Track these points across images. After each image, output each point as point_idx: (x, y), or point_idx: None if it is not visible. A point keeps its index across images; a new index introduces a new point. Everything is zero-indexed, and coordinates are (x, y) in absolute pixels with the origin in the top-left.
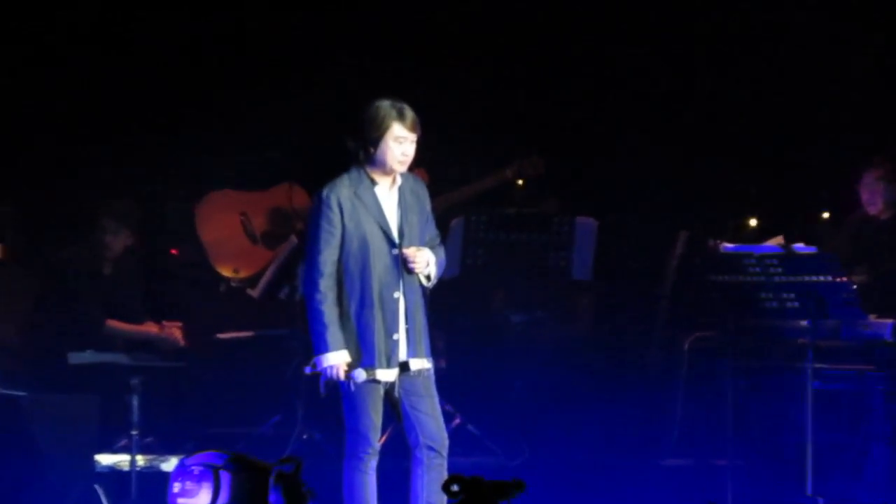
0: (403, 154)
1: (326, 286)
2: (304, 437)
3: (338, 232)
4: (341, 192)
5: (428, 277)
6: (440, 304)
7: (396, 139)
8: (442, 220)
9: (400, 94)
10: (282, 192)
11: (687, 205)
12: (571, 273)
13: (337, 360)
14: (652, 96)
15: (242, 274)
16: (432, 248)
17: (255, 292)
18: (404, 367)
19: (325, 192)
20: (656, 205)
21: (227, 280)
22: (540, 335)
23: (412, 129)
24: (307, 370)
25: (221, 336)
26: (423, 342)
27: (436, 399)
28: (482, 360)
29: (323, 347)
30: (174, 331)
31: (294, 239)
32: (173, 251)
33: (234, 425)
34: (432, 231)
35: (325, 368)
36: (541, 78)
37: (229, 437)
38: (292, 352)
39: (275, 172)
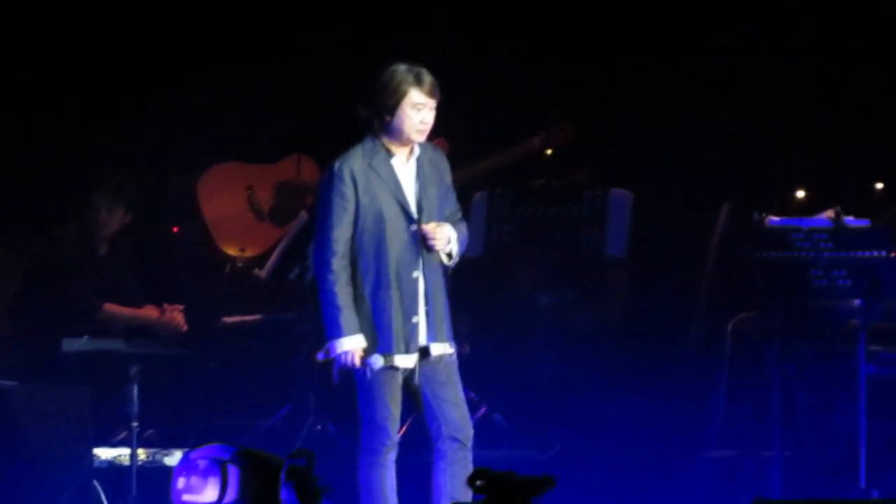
0: (422, 122)
1: (339, 266)
2: (317, 428)
3: (351, 207)
4: (354, 163)
5: (449, 255)
6: (462, 284)
7: (414, 106)
8: (464, 194)
9: (417, 57)
10: (290, 164)
11: (730, 175)
12: (605, 250)
13: (352, 345)
14: (692, 60)
15: (248, 253)
16: (453, 223)
17: (262, 273)
18: (424, 352)
19: (336, 165)
20: (697, 175)
21: (233, 260)
22: (571, 318)
23: (431, 95)
24: (320, 357)
25: (226, 321)
26: (445, 325)
27: (459, 386)
28: (509, 345)
29: (336, 332)
30: (175, 315)
31: (304, 215)
32: (174, 229)
33: (241, 417)
34: (453, 205)
35: (339, 355)
36: (572, 40)
37: (236, 430)
38: (303, 337)
39: (283, 143)
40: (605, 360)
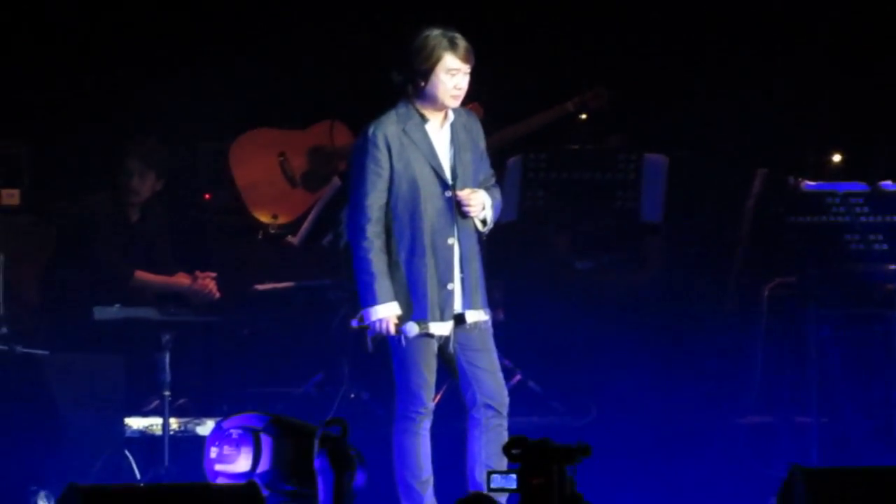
0: (456, 87)
1: (373, 232)
2: (351, 396)
3: (385, 173)
4: (388, 129)
5: (484, 222)
6: (497, 250)
7: (448, 71)
8: (498, 159)
9: (452, 21)
10: (323, 130)
11: (765, 139)
12: (640, 215)
13: (386, 312)
14: (728, 22)
15: (281, 220)
16: (487, 189)
17: (295, 239)
18: (459, 319)
19: (370, 130)
20: (732, 140)
21: (265, 227)
22: (606, 283)
23: (465, 60)
24: (354, 324)
25: (259, 288)
26: (480, 292)
27: (494, 353)
28: (543, 311)
29: (371, 299)
30: (208, 282)
31: (337, 181)
32: (206, 196)
33: (274, 385)
34: (487, 170)
35: (374, 322)
36: (606, 1)
37: (269, 398)
38: (336, 304)
39: (316, 108)
40: (640, 324)
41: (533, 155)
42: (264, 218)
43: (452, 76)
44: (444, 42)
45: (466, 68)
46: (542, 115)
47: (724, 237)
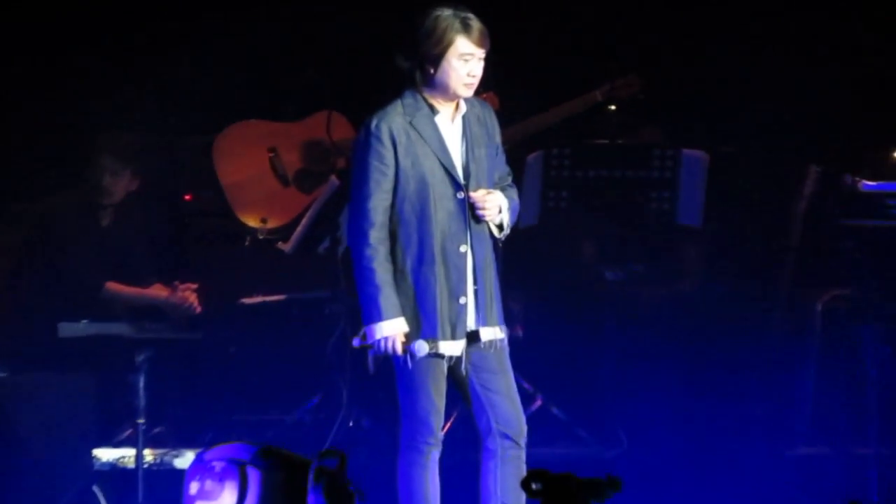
0: (470, 74)
1: (377, 239)
2: (350, 424)
3: (390, 171)
4: (394, 121)
5: (500, 227)
6: (515, 259)
7: (461, 56)
8: (516, 156)
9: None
10: (319, 122)
11: (818, 133)
12: (677, 218)
13: (392, 329)
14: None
15: (272, 223)
16: (503, 189)
17: (287, 246)
18: (473, 337)
19: (374, 122)
20: (780, 133)
21: (253, 231)
22: (638, 295)
23: (480, 44)
24: (355, 343)
25: (247, 301)
26: (495, 307)
27: (511, 376)
28: (568, 328)
29: (375, 315)
30: (188, 295)
31: (335, 180)
32: (186, 197)
33: (264, 410)
34: (503, 168)
35: (378, 341)
36: None
37: (257, 426)
38: (334, 319)
39: (311, 98)
40: (677, 343)
41: (556, 150)
42: (252, 221)
43: (466, 62)
44: (457, 24)
45: (481, 53)
46: (566, 105)
47: (772, 243)
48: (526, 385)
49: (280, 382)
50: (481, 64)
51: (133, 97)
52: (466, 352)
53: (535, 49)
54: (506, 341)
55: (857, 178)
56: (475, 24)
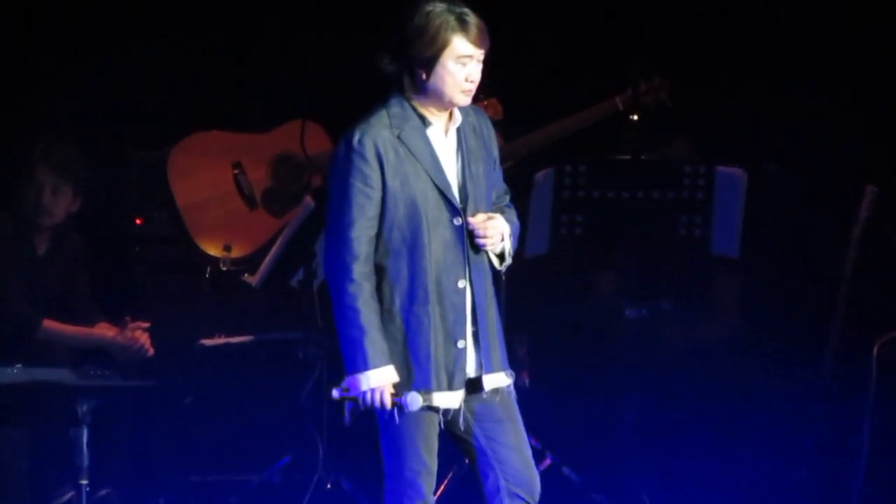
0: (468, 79)
1: (362, 274)
2: (328, 486)
3: (377, 194)
4: (380, 134)
5: (501, 257)
6: (520, 294)
7: (458, 59)
8: (523, 173)
9: None
10: (291, 133)
11: (875, 149)
12: (711, 247)
13: (380, 380)
14: None
15: (236, 252)
16: (502, 211)
17: (254, 279)
18: (474, 385)
19: (356, 136)
20: (831, 148)
21: (215, 261)
22: (665, 337)
23: (479, 44)
24: (335, 394)
25: (207, 342)
26: (499, 349)
27: (521, 425)
28: (582, 374)
29: (360, 363)
30: (139, 335)
31: (310, 201)
32: (137, 220)
33: (227, 470)
34: (500, 185)
35: (363, 393)
36: None
37: (219, 488)
38: (309, 364)
39: (282, 105)
40: (709, 393)
41: (569, 167)
42: (214, 249)
43: (463, 65)
44: (452, 21)
45: (480, 54)
46: (581, 114)
47: (822, 276)
48: (533, 441)
49: (246, 437)
50: (480, 66)
51: (74, 103)
52: (467, 402)
53: (544, 48)
54: (512, 387)
55: None
56: (473, 20)
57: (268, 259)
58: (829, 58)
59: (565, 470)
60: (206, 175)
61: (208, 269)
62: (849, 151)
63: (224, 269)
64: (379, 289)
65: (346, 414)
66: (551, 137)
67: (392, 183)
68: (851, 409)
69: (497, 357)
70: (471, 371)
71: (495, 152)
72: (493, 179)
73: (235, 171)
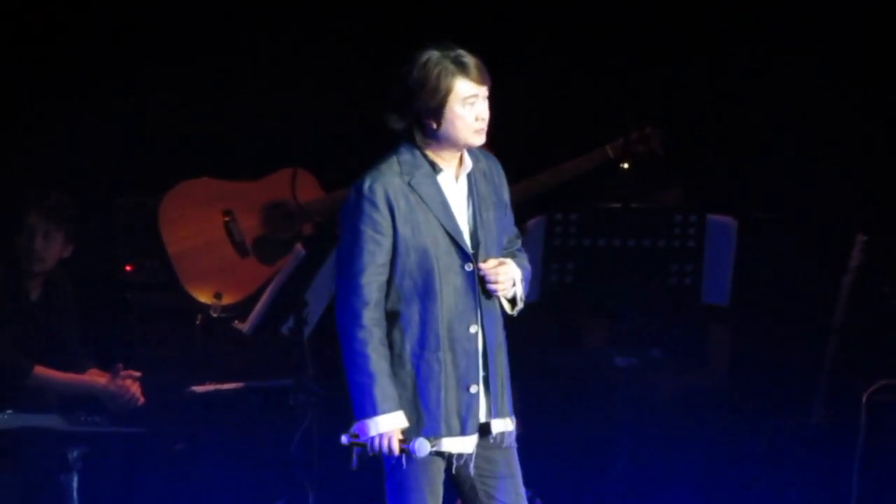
0: (478, 119)
1: (372, 320)
2: None
3: (387, 241)
4: (390, 182)
5: (513, 302)
6: (510, 341)
7: (464, 101)
8: (514, 221)
9: (446, 36)
10: (282, 181)
11: (865, 196)
12: (701, 295)
13: (388, 425)
14: (811, 45)
15: (227, 299)
16: (513, 255)
17: (245, 326)
18: (482, 430)
19: (366, 183)
20: (821, 197)
21: (206, 308)
22: (655, 385)
23: (481, 81)
24: (344, 440)
25: (198, 389)
26: (506, 395)
27: (521, 481)
28: (573, 422)
29: (368, 408)
30: (129, 382)
31: (300, 249)
32: (127, 268)
33: None
34: (511, 230)
35: (371, 438)
36: (659, 15)
37: None
38: (300, 411)
39: (273, 153)
40: (700, 441)
41: (560, 215)
42: (204, 297)
43: (471, 105)
44: (451, 66)
45: (484, 91)
46: (572, 162)
47: (812, 325)
48: (525, 490)
49: (236, 485)
50: (486, 103)
51: (64, 151)
52: (479, 449)
53: (536, 96)
54: (514, 435)
55: None
56: (470, 60)
57: (258, 306)
58: (821, 107)
59: None
60: (196, 222)
61: (199, 317)
62: (839, 201)
63: (215, 316)
64: (390, 335)
65: (354, 458)
66: (543, 186)
67: (403, 230)
68: (841, 459)
69: (504, 402)
70: (482, 416)
71: (506, 196)
72: (503, 224)
73: (226, 219)
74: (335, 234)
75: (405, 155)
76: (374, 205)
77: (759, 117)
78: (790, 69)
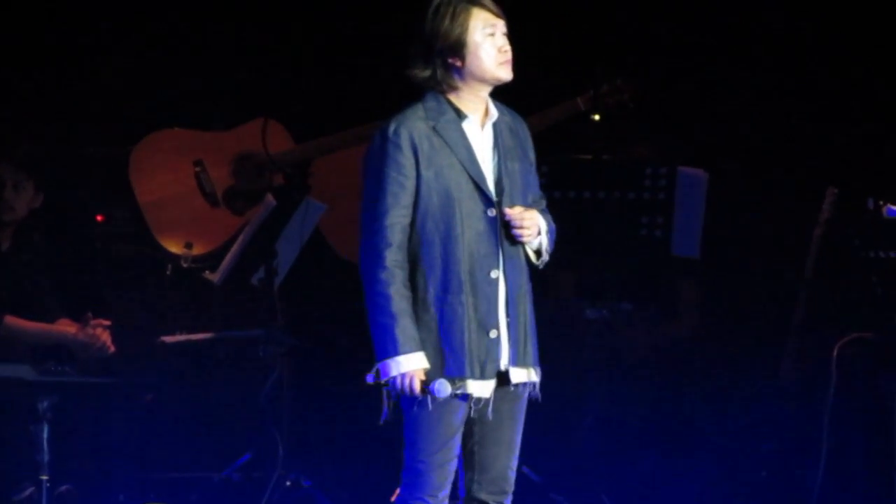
0: (501, 50)
1: (394, 262)
2: (287, 484)
3: (410, 183)
4: (415, 126)
5: (538, 253)
6: None
7: (484, 30)
8: None
9: None
10: (253, 131)
11: (836, 150)
12: (671, 247)
13: (411, 365)
14: None
15: (197, 250)
16: (540, 212)
17: (215, 276)
18: (502, 378)
19: (391, 127)
20: (792, 150)
21: (176, 259)
22: (625, 338)
23: (496, 12)
24: (369, 379)
25: (167, 340)
26: (531, 344)
27: (518, 426)
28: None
29: (390, 348)
30: (99, 332)
31: (271, 200)
32: (98, 217)
33: (187, 468)
34: (536, 190)
35: (394, 378)
36: None
37: (179, 485)
38: (269, 362)
39: (244, 103)
40: (669, 395)
41: None
42: (175, 247)
43: (491, 35)
44: (462, 2)
45: (502, 24)
46: (542, 114)
47: (782, 278)
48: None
49: (206, 435)
50: (506, 39)
51: (33, 100)
52: (494, 395)
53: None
54: (538, 388)
55: (882, 203)
56: None
57: (229, 257)
58: (792, 59)
59: (525, 469)
60: (167, 173)
61: (169, 267)
62: (810, 153)
63: (185, 266)
64: (412, 278)
65: (385, 408)
66: None
67: (426, 173)
68: (811, 410)
69: (528, 352)
70: (504, 362)
71: (531, 155)
72: (529, 179)
73: (197, 169)
74: (305, 184)
75: (430, 102)
76: (398, 147)
77: (729, 69)
78: (760, 17)
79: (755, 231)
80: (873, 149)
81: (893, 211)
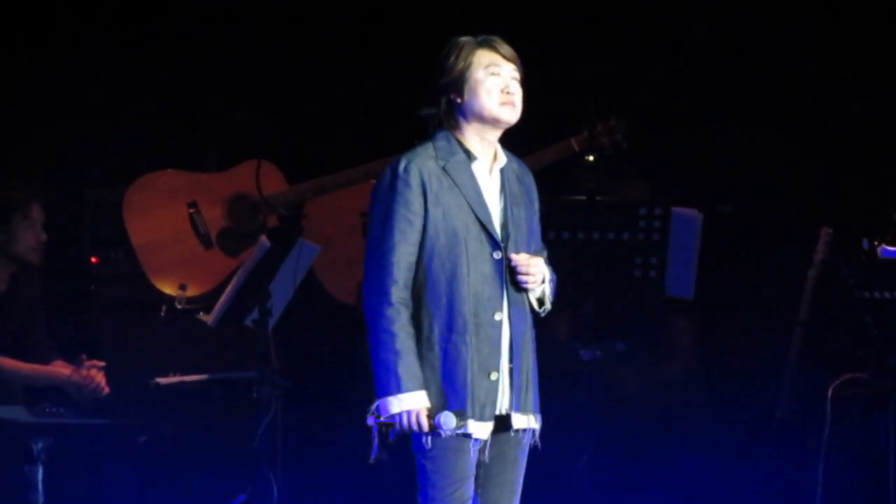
0: (504, 91)
1: (400, 299)
2: None
3: (418, 221)
4: (425, 164)
5: (541, 301)
6: None
7: (486, 68)
8: None
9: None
10: (247, 172)
11: (831, 191)
12: (665, 288)
13: (413, 403)
14: (781, 40)
15: (192, 291)
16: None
17: (209, 318)
18: (501, 423)
19: (402, 164)
20: (787, 190)
21: (171, 300)
22: (620, 378)
23: (506, 56)
24: (370, 421)
25: (162, 381)
26: (532, 390)
27: (520, 470)
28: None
29: (392, 386)
30: (94, 373)
31: (265, 241)
32: (92, 259)
33: None
34: (538, 240)
35: (397, 416)
36: (625, 8)
37: None
38: (264, 403)
39: (238, 146)
40: (664, 433)
41: None
42: (169, 288)
43: (494, 74)
44: (475, 41)
45: (511, 68)
46: (536, 155)
47: (777, 318)
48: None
49: (201, 476)
50: (517, 84)
51: (31, 143)
52: (492, 438)
53: None
54: (537, 434)
55: (877, 243)
56: (497, 39)
57: (223, 298)
58: (786, 101)
59: None
60: (161, 214)
61: (164, 308)
62: (805, 193)
63: (179, 307)
64: (417, 317)
65: (375, 449)
66: None
67: (434, 211)
68: (806, 452)
69: (529, 398)
70: (504, 406)
71: (537, 205)
72: (533, 227)
73: (191, 211)
74: (299, 226)
75: (441, 141)
76: (407, 184)
77: (723, 110)
78: (756, 62)
79: (749, 271)
80: (868, 189)
81: (888, 251)
